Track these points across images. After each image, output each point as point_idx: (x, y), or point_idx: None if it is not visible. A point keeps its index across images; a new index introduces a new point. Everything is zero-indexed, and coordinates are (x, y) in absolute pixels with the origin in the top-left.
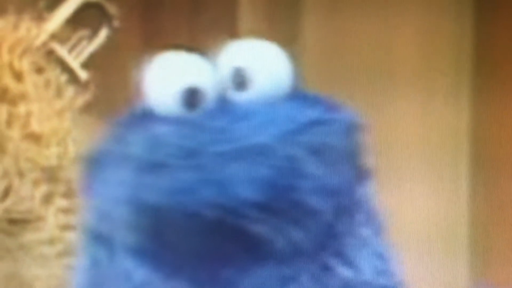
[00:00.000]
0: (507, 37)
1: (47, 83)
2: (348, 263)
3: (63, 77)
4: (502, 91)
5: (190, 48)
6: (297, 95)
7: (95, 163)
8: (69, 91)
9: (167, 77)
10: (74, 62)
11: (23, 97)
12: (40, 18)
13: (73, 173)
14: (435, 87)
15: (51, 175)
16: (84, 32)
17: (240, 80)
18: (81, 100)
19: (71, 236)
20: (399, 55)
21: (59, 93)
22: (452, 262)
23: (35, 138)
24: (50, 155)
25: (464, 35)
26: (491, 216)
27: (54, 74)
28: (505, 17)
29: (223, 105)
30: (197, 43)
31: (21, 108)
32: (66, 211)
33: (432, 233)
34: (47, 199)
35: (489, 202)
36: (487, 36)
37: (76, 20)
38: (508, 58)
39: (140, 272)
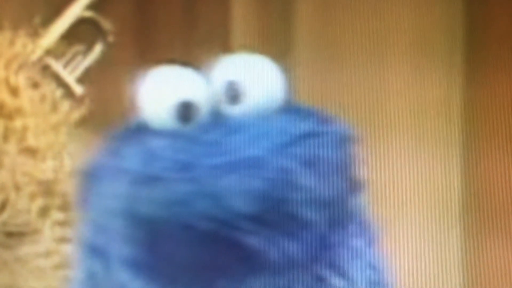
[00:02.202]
0: (499, 40)
1: (43, 98)
2: (341, 274)
3: (59, 92)
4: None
5: (184, 62)
6: (290, 108)
7: (90, 177)
8: (65, 105)
9: (161, 91)
10: (69, 77)
11: (19, 111)
12: (35, 34)
13: (69, 186)
14: (427, 98)
15: (47, 188)
16: (79, 48)
17: (233, 94)
18: (76, 114)
19: (67, 249)
20: (391, 68)
21: (54, 107)
22: (445, 267)
23: (31, 152)
24: (46, 168)
25: (456, 46)
26: (483, 239)
27: (50, 89)
28: (497, 21)
29: (217, 118)
30: (191, 58)
31: (18, 123)
32: (62, 224)
33: (423, 252)
34: (44, 212)
35: (481, 222)
36: (478, 48)
37: (71, 36)
38: (501, 58)
39: (135, 284)
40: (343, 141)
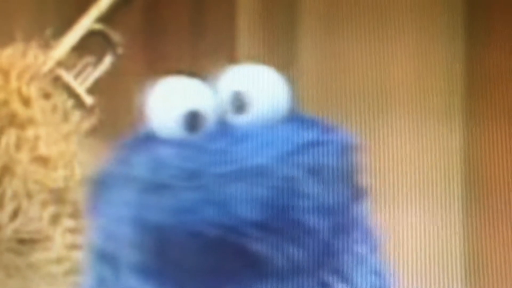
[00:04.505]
0: (497, 61)
1: (54, 108)
2: (345, 279)
3: (70, 102)
4: (493, 112)
5: (191, 73)
6: (294, 117)
7: (100, 185)
8: (75, 115)
9: (169, 101)
10: (80, 87)
11: (31, 121)
12: (47, 46)
13: (79, 194)
14: (428, 108)
15: (58, 196)
16: (89, 59)
17: (239, 104)
18: (87, 124)
19: (78, 255)
20: (393, 77)
21: (65, 117)
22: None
23: (43, 161)
24: (57, 177)
25: (456, 58)
26: (484, 242)
27: (61, 99)
28: (495, 45)
29: (223, 127)
30: (198, 69)
31: (29, 132)
32: (73, 231)
33: (426, 258)
34: (55, 219)
35: (482, 227)
36: (478, 59)
37: (82, 48)
38: (498, 83)
39: None
40: (346, 149)
